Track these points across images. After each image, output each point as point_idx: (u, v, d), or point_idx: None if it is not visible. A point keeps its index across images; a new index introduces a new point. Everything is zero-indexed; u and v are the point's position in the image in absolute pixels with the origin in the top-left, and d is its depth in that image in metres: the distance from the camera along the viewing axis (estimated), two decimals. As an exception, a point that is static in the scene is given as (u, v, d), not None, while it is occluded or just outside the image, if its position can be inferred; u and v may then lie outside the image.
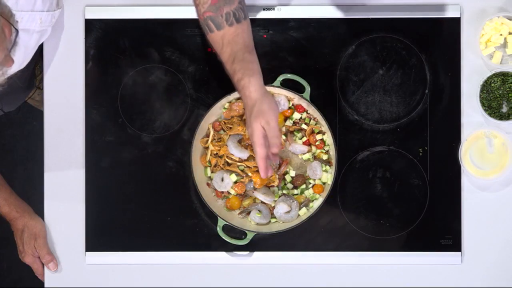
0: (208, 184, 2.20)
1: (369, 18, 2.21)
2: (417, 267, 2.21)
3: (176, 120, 2.24)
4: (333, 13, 2.22)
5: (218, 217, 2.17)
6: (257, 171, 2.16)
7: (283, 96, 2.19)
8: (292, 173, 2.20)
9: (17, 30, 1.73)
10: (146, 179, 2.24)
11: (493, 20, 2.18)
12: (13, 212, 2.24)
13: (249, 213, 2.19)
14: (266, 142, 1.99)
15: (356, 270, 2.21)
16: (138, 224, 2.23)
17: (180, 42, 2.24)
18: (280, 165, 2.19)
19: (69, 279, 2.24)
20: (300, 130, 2.20)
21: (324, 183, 2.19)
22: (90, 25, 2.24)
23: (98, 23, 2.24)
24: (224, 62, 2.02)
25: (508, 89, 2.18)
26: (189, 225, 2.23)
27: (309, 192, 2.19)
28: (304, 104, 2.18)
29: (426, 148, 2.21)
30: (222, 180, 2.18)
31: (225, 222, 2.17)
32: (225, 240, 2.18)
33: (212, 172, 2.20)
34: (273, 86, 2.18)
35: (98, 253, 2.23)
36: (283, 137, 2.19)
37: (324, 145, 2.19)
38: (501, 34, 2.18)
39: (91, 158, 2.23)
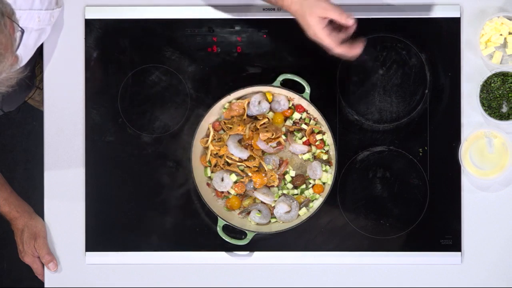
0: (208, 184, 2.20)
1: (369, 18, 2.21)
2: (417, 267, 2.21)
3: (176, 120, 2.24)
4: (333, 13, 2.22)
5: (218, 217, 2.17)
6: (257, 171, 2.17)
7: (283, 96, 2.19)
8: (292, 173, 2.20)
9: (22, 29, 1.72)
10: (146, 179, 2.23)
11: (493, 20, 2.17)
12: (13, 212, 2.24)
13: (249, 213, 2.19)
14: (330, 31, 1.98)
15: (356, 270, 2.21)
16: (138, 224, 2.23)
17: (180, 42, 2.24)
18: (280, 165, 2.19)
19: (69, 279, 2.24)
20: (300, 130, 2.20)
21: (324, 183, 2.19)
22: (90, 25, 2.24)
23: (98, 23, 2.24)
24: None
25: (508, 89, 2.18)
26: (189, 225, 2.23)
27: (309, 192, 2.19)
28: (304, 104, 2.18)
29: (426, 148, 2.21)
30: (222, 180, 2.18)
31: (225, 222, 2.17)
32: (225, 240, 2.18)
33: (212, 172, 2.20)
34: (273, 86, 2.17)
35: (98, 253, 2.23)
36: (283, 137, 2.19)
37: (324, 145, 2.19)
38: (501, 34, 2.18)
39: (91, 158, 2.23)
